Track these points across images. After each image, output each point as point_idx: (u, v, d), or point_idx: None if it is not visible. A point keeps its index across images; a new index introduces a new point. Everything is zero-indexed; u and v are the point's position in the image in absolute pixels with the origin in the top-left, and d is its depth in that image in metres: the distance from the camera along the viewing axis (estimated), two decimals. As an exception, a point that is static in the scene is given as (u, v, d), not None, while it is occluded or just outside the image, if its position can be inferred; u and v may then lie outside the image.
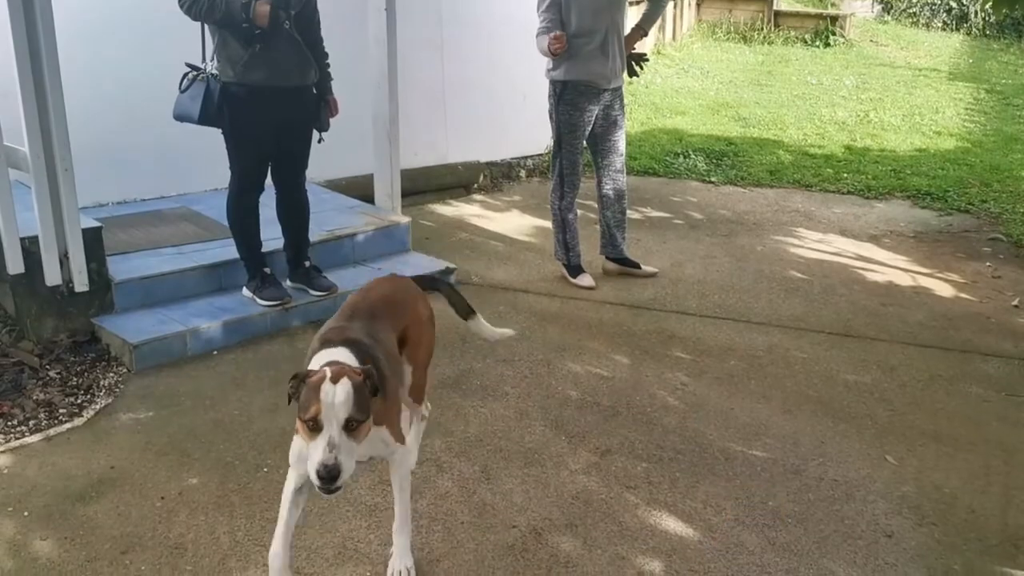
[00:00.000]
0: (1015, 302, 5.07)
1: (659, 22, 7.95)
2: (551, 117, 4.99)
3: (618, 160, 5.14)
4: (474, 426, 3.55)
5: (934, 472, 3.33)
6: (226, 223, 4.37)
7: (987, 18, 16.12)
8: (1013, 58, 13.99)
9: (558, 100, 4.89)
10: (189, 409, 3.61)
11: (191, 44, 4.06)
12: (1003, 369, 4.23)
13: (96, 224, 4.18)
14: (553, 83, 4.91)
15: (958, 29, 16.41)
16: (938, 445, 3.53)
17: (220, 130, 4.10)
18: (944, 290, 5.26)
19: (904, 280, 5.38)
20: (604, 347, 4.33)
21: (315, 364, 2.22)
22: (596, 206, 5.33)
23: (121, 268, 4.31)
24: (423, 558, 2.75)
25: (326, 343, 2.35)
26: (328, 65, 4.34)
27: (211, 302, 4.37)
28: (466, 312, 3.10)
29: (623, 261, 5.33)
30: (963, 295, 5.19)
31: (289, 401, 2.16)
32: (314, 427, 2.05)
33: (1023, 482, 3.29)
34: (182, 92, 4.05)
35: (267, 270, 4.40)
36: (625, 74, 5.14)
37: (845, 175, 7.65)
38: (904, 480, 3.27)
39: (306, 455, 2.11)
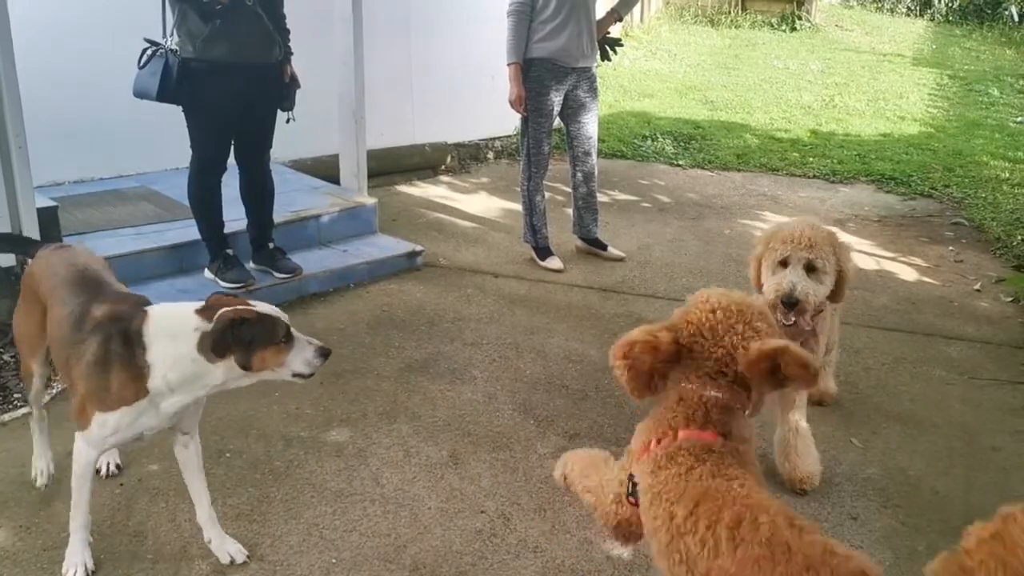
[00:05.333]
0: (977, 286, 5.14)
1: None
2: None
3: (588, 142, 5.11)
4: (442, 410, 3.52)
5: (899, 454, 3.37)
6: (187, 203, 4.27)
7: (950, 4, 16.29)
8: (975, 44, 14.16)
9: (524, 78, 4.85)
10: (149, 393, 3.53)
11: (152, 18, 3.94)
12: (965, 352, 4.28)
13: (52, 204, 4.07)
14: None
15: (922, 15, 16.56)
16: (902, 428, 3.56)
17: (180, 107, 3.99)
18: (908, 274, 5.32)
19: (868, 264, 5.42)
20: (573, 330, 4.31)
21: None
22: (568, 187, 5.31)
23: (78, 249, 4.20)
24: (390, 544, 2.72)
25: None
26: (289, 42, 4.24)
27: (172, 284, 4.28)
28: None
29: (592, 242, 5.33)
30: (926, 279, 5.24)
31: None
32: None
33: (985, 464, 3.34)
34: (141, 68, 3.93)
35: (230, 251, 4.31)
36: (597, 57, 5.11)
37: (811, 159, 7.69)
38: (869, 463, 3.30)
39: None
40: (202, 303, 2.34)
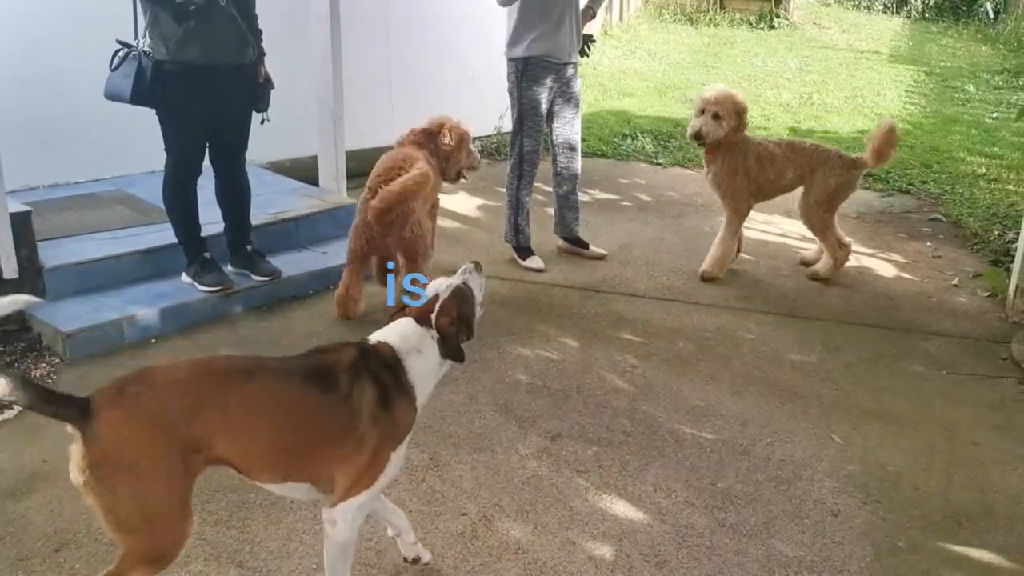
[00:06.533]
0: (955, 281, 5.17)
1: (606, 2, 7.92)
2: (512, 96, 4.93)
3: (574, 139, 5.10)
4: (422, 412, 3.49)
5: (879, 450, 3.38)
6: (163, 206, 4.23)
7: (926, 1, 16.43)
8: (951, 41, 14.27)
9: (520, 77, 4.82)
10: (126, 399, 3.49)
11: (124, 21, 3.90)
12: (944, 347, 4.31)
13: (25, 208, 4.01)
14: (514, 61, 4.84)
15: (898, 12, 16.69)
16: (882, 424, 3.58)
17: (154, 110, 3.95)
18: (886, 270, 5.35)
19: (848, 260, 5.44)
20: (554, 330, 4.30)
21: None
22: (548, 187, 5.29)
23: (53, 254, 4.15)
24: (371, 548, 2.70)
25: None
26: (262, 42, 4.20)
27: (148, 288, 4.24)
28: None
29: (573, 241, 5.32)
30: (904, 275, 5.28)
31: None
32: None
33: (965, 459, 3.36)
34: (113, 70, 3.89)
35: (207, 255, 4.27)
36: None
37: (790, 156, 7.70)
38: (850, 459, 3.31)
39: None
40: (401, 308, 2.47)
